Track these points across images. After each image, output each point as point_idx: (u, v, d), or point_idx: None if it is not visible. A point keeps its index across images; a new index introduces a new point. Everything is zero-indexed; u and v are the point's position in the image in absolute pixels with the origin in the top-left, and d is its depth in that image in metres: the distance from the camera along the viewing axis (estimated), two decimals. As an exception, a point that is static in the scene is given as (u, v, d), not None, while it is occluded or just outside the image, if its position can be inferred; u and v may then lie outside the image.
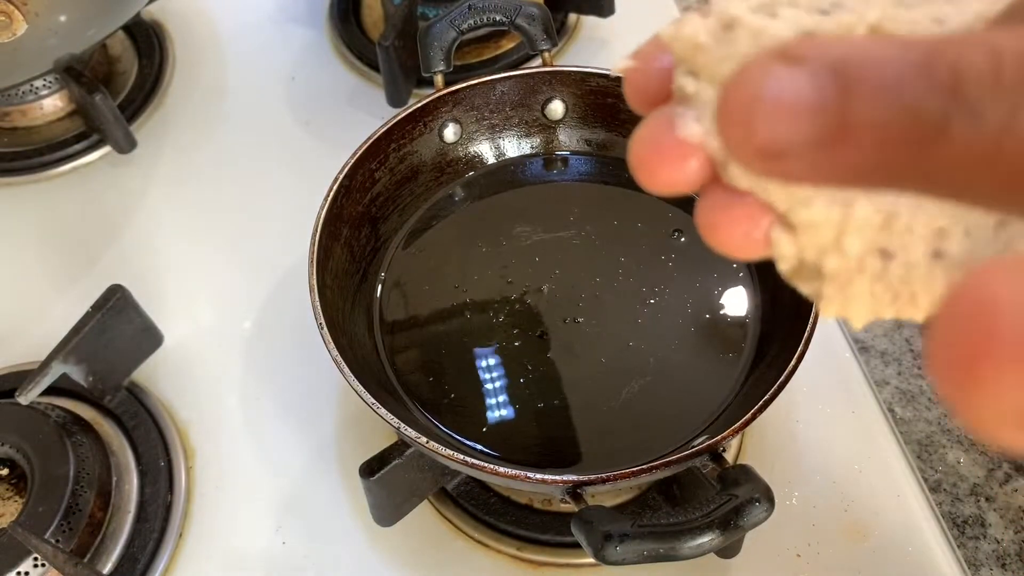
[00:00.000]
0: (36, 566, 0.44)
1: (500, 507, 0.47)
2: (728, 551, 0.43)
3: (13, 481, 0.48)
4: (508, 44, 0.70)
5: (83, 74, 0.63)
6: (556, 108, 0.56)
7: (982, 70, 0.14)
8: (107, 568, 0.46)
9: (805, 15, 0.17)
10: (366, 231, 0.52)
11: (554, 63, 0.55)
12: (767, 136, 0.15)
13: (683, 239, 0.52)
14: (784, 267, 0.18)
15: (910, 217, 0.16)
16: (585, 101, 0.55)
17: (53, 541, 0.44)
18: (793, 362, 0.40)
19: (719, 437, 0.38)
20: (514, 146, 0.57)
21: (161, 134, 0.68)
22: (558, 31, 0.69)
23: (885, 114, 0.15)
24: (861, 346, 0.53)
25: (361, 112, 0.68)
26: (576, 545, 0.44)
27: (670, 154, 0.18)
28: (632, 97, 0.20)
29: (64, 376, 0.49)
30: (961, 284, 0.14)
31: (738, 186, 0.17)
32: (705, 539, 0.35)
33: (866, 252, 0.17)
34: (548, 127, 0.57)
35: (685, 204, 0.53)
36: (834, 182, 0.16)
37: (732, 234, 0.18)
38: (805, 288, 0.18)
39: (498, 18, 0.54)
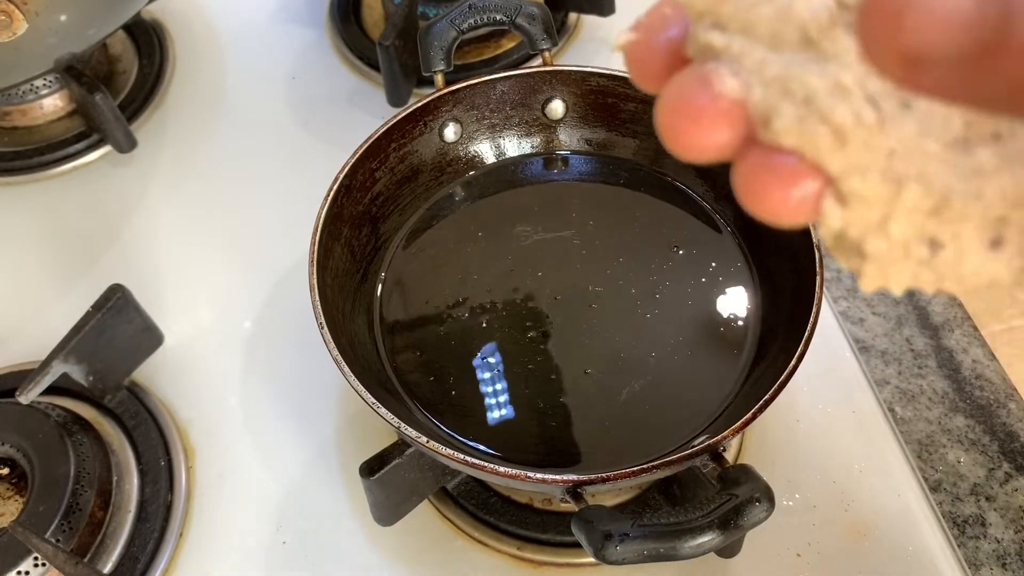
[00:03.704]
0: (36, 565, 0.44)
1: (500, 507, 0.47)
2: (728, 551, 0.43)
3: (13, 480, 0.48)
4: (508, 43, 0.70)
5: (83, 73, 0.63)
6: (556, 107, 0.56)
7: None
8: (107, 568, 0.46)
9: None
10: (366, 231, 0.52)
11: (554, 62, 0.55)
12: (915, 40, 0.14)
13: (682, 246, 0.52)
14: (827, 238, 0.17)
15: (964, 204, 0.15)
16: (585, 100, 0.55)
17: (53, 541, 0.44)
18: (793, 362, 0.40)
19: (719, 437, 0.38)
20: (514, 145, 0.57)
21: (161, 134, 0.68)
22: (558, 30, 0.69)
23: None
24: (861, 346, 0.53)
25: (361, 112, 0.68)
26: (576, 545, 0.44)
27: (706, 114, 0.16)
28: (637, 72, 0.18)
29: (64, 376, 0.49)
30: None
31: (783, 144, 0.16)
32: (705, 539, 0.35)
33: (913, 239, 0.16)
34: (548, 126, 0.57)
35: (686, 207, 0.53)
36: (970, 102, 0.15)
37: (777, 197, 0.16)
38: (844, 262, 0.17)
39: (498, 17, 0.54)
